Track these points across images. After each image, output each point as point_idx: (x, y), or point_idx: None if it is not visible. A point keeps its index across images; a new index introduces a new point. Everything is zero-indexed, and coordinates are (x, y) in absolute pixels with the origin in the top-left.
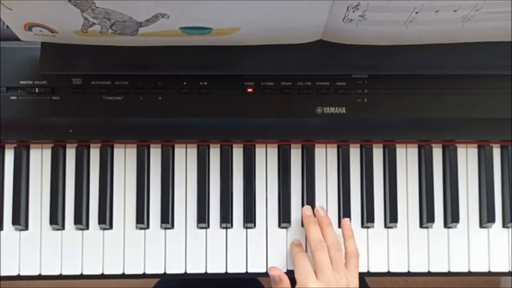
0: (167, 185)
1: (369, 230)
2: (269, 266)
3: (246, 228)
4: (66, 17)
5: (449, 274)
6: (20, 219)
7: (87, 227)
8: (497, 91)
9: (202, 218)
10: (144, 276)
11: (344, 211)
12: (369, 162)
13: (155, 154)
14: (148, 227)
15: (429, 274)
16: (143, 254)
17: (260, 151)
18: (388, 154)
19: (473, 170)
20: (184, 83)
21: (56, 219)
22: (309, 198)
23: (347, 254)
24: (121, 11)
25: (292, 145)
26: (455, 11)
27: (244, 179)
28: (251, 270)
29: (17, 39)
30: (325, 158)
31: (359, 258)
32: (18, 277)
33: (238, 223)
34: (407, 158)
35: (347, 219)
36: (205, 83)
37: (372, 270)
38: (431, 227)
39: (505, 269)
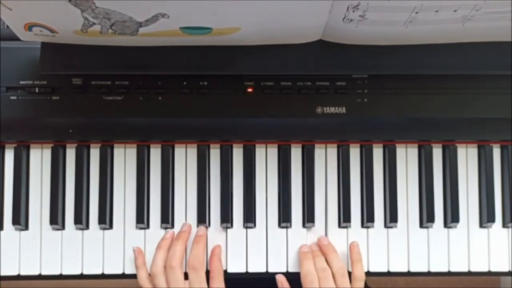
0: (167, 185)
1: (369, 230)
2: (269, 266)
3: (246, 228)
4: (66, 17)
5: (449, 274)
6: (20, 219)
7: (87, 227)
8: (497, 91)
9: (202, 218)
10: None
11: (344, 211)
12: (369, 162)
13: (155, 154)
14: (148, 227)
15: (429, 274)
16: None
17: (260, 151)
18: (388, 154)
19: (473, 170)
20: (184, 83)
21: (56, 219)
22: (309, 198)
23: (354, 278)
24: (121, 11)
25: (292, 145)
26: (455, 11)
27: (244, 179)
28: (251, 270)
29: (17, 39)
30: (325, 158)
31: (364, 280)
32: (18, 277)
33: (238, 223)
34: (407, 158)
35: (356, 243)
36: (205, 83)
37: (372, 270)
38: (431, 227)
39: (505, 269)
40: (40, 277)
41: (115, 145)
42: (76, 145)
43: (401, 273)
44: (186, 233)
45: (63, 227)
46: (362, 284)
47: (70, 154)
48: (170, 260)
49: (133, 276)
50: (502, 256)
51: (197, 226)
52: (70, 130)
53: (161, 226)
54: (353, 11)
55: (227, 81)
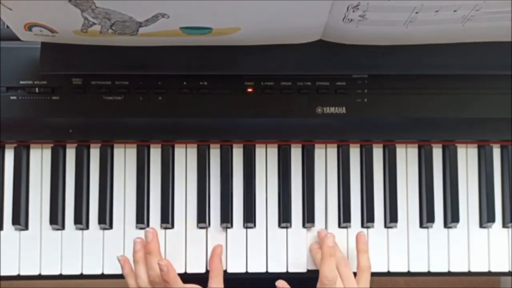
0: (167, 185)
1: (369, 230)
2: (269, 266)
3: (246, 228)
4: (66, 17)
5: (449, 274)
6: (20, 219)
7: (87, 227)
8: (497, 91)
9: (202, 218)
10: None
11: (344, 211)
12: (369, 162)
13: (155, 154)
14: (148, 226)
15: (429, 274)
16: None
17: (260, 151)
18: (388, 154)
19: (473, 170)
20: (184, 83)
21: (56, 219)
22: (309, 198)
23: (360, 268)
24: (121, 11)
25: (292, 145)
26: (455, 11)
27: (244, 179)
28: (251, 270)
29: (17, 39)
30: (325, 158)
31: (370, 272)
32: (18, 277)
33: (238, 223)
34: (407, 158)
35: (363, 233)
36: (205, 83)
37: (372, 270)
38: (431, 227)
39: (505, 269)
40: (40, 277)
41: (115, 145)
42: (76, 145)
43: (401, 273)
44: (154, 242)
45: (63, 227)
46: (369, 275)
47: (70, 154)
48: (152, 277)
49: None
50: (502, 256)
51: (197, 226)
52: (70, 130)
53: (161, 226)
54: (353, 11)
55: (227, 81)
